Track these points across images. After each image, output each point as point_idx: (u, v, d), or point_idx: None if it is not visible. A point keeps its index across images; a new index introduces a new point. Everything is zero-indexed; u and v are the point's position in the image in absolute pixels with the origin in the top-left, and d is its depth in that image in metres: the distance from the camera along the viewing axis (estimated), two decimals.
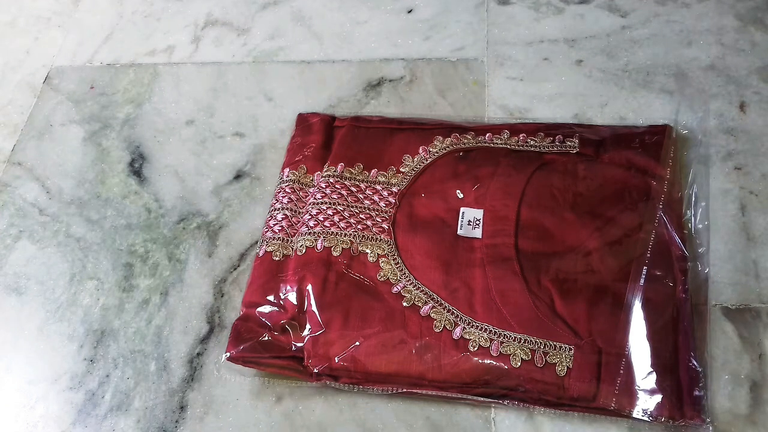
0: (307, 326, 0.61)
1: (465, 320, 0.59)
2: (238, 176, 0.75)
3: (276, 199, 0.70)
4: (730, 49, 0.75)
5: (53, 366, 0.66)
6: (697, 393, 0.54)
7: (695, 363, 0.55)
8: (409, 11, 0.86)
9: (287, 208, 0.68)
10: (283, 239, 0.66)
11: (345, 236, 0.65)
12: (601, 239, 0.62)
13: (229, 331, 0.62)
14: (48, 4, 0.96)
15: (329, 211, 0.67)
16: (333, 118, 0.75)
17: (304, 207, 0.68)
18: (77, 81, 0.87)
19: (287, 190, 0.70)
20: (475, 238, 0.64)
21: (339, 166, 0.70)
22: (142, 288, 0.69)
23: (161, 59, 0.87)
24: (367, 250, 0.64)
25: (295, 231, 0.67)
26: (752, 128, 0.69)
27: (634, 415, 0.54)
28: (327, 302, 0.62)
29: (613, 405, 0.54)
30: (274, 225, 0.67)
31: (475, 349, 0.58)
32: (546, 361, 0.56)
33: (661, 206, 0.62)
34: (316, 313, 0.61)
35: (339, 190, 0.68)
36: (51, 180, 0.78)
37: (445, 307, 0.60)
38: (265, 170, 0.75)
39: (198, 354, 0.64)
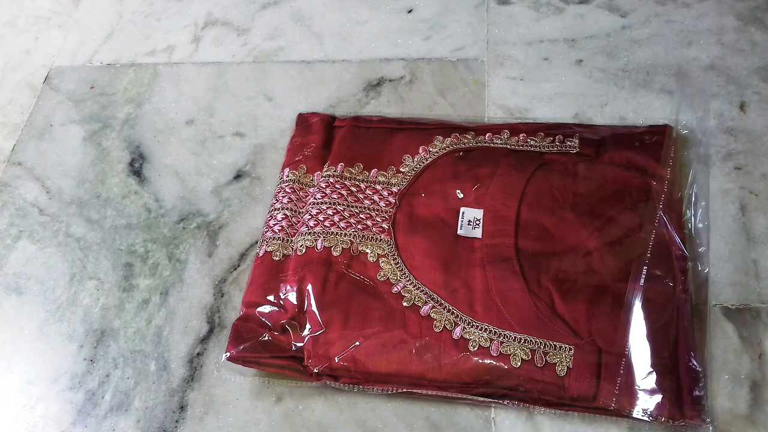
0: (307, 326, 0.61)
1: (465, 320, 0.59)
2: (238, 176, 0.75)
3: (276, 199, 0.70)
4: (730, 49, 0.75)
5: (53, 366, 0.66)
6: (697, 393, 0.54)
7: (695, 363, 0.55)
8: (409, 11, 0.86)
9: (287, 208, 0.68)
10: (283, 239, 0.66)
11: (345, 236, 0.65)
12: (601, 239, 0.62)
13: (229, 331, 0.62)
14: (48, 4, 0.96)
15: (329, 211, 0.67)
16: (333, 118, 0.75)
17: (304, 207, 0.68)
18: (77, 81, 0.87)
19: (287, 190, 0.70)
20: (475, 238, 0.64)
21: (339, 166, 0.70)
22: (142, 288, 0.69)
23: (161, 59, 0.87)
24: (367, 250, 0.64)
25: (295, 231, 0.67)
26: (752, 128, 0.69)
27: (634, 415, 0.54)
28: (327, 302, 0.62)
29: (613, 405, 0.54)
30: (274, 225, 0.67)
31: (475, 349, 0.58)
32: (546, 361, 0.56)
33: (661, 206, 0.62)
34: (316, 313, 0.61)
35: (339, 190, 0.68)
36: (51, 180, 0.78)
37: (445, 307, 0.60)
38: (265, 170, 0.75)
39: (198, 354, 0.64)
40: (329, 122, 0.75)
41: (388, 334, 0.59)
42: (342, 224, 0.66)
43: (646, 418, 0.54)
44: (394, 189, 0.68)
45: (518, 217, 0.64)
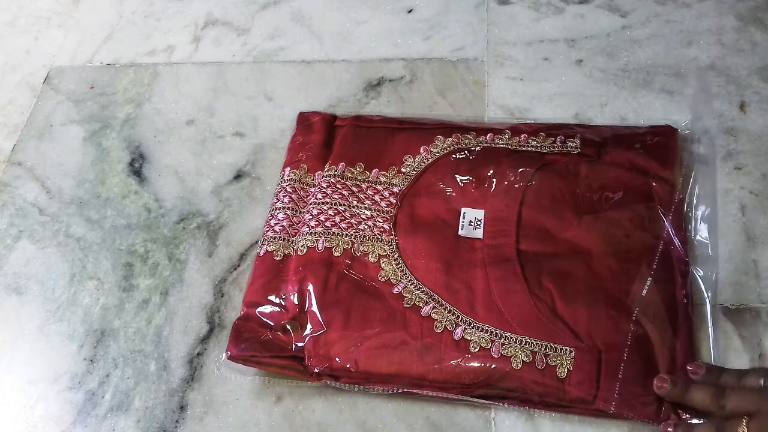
0: (308, 326, 0.61)
1: (466, 321, 0.59)
2: (238, 176, 0.75)
3: (277, 199, 0.70)
4: (730, 49, 0.75)
5: (53, 366, 0.65)
6: None
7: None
8: (409, 11, 0.86)
9: (288, 208, 0.68)
10: (284, 239, 0.66)
11: (346, 236, 0.65)
12: (602, 240, 0.62)
13: (229, 330, 0.62)
14: (48, 4, 0.96)
15: (330, 211, 0.67)
16: (334, 117, 0.75)
17: (305, 206, 0.68)
18: (77, 81, 0.87)
19: (288, 189, 0.70)
20: (476, 238, 0.64)
21: (340, 166, 0.70)
22: (142, 288, 0.69)
23: (161, 59, 0.87)
24: (368, 251, 0.64)
25: (296, 230, 0.67)
26: (752, 128, 0.69)
27: (634, 417, 0.54)
28: (328, 302, 0.62)
29: (612, 408, 0.54)
30: (275, 224, 0.67)
31: (476, 350, 0.58)
32: (547, 363, 0.56)
33: (661, 207, 0.62)
34: (317, 313, 0.61)
35: (340, 190, 0.68)
36: (51, 180, 0.78)
37: (446, 307, 0.60)
38: (265, 170, 0.75)
39: (198, 354, 0.64)
40: (330, 121, 0.75)
41: (389, 335, 0.59)
42: (343, 224, 0.66)
43: (646, 421, 0.54)
44: (396, 189, 0.68)
45: (519, 218, 0.64)
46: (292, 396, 0.61)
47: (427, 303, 0.61)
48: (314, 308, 0.61)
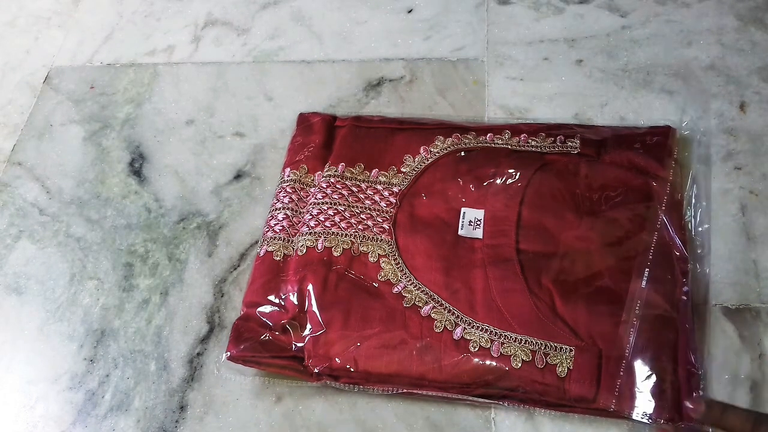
0: (308, 326, 0.61)
1: (466, 321, 0.59)
2: (238, 176, 0.75)
3: (277, 199, 0.70)
4: (730, 49, 0.75)
5: (53, 366, 0.66)
6: (697, 394, 0.54)
7: (695, 364, 0.55)
8: (409, 11, 0.86)
9: (288, 208, 0.68)
10: (284, 239, 0.66)
11: (346, 236, 0.65)
12: (601, 240, 0.62)
13: (229, 331, 0.62)
14: (48, 4, 0.96)
15: (330, 211, 0.67)
16: (334, 118, 0.75)
17: (305, 207, 0.68)
18: (77, 81, 0.87)
19: (288, 189, 0.70)
20: (476, 238, 0.64)
21: (340, 166, 0.70)
22: (142, 288, 0.69)
23: (161, 59, 0.87)
24: (368, 250, 0.64)
25: (296, 231, 0.67)
26: (752, 128, 0.69)
27: (634, 416, 0.54)
28: (327, 302, 0.62)
29: (612, 407, 0.54)
30: (275, 225, 0.67)
31: (476, 349, 0.58)
32: (546, 362, 0.56)
33: (661, 207, 0.62)
34: (317, 313, 0.61)
35: (340, 190, 0.68)
36: (51, 180, 0.78)
37: (446, 307, 0.60)
38: (265, 170, 0.75)
39: (198, 354, 0.64)
40: (330, 122, 0.75)
41: (389, 335, 0.59)
42: (343, 224, 0.66)
43: (646, 420, 0.54)
44: (395, 189, 0.68)
45: (519, 218, 0.64)
46: (292, 396, 0.61)
47: (426, 303, 0.61)
48: (314, 308, 0.61)
